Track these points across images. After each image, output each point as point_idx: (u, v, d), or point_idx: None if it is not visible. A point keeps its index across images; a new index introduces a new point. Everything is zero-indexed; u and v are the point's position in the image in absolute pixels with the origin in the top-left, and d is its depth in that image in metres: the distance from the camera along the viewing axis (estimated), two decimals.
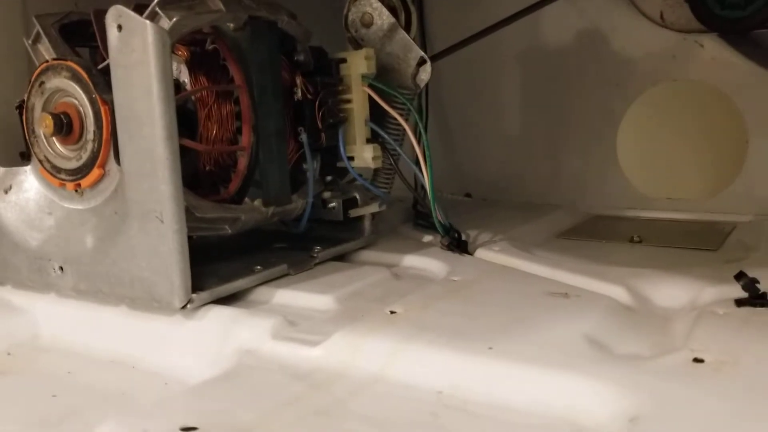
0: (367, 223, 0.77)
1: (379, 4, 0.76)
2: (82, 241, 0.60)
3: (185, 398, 0.48)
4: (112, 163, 0.58)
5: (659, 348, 0.51)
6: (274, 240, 0.75)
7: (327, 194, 0.75)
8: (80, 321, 0.61)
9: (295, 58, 0.70)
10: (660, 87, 0.97)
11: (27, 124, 0.63)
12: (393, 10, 0.78)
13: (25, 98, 0.62)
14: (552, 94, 1.05)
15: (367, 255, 0.76)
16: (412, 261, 0.73)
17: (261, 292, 0.63)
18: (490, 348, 0.49)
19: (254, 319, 0.55)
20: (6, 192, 0.65)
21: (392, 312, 0.57)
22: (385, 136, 0.74)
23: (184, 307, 0.56)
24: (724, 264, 0.68)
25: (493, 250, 0.74)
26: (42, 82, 0.61)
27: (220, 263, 0.65)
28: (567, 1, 0.99)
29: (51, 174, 0.62)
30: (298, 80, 0.69)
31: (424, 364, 0.48)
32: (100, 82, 0.57)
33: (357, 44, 0.77)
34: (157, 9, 0.55)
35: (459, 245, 0.75)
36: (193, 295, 0.56)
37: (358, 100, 0.72)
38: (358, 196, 0.76)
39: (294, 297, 0.62)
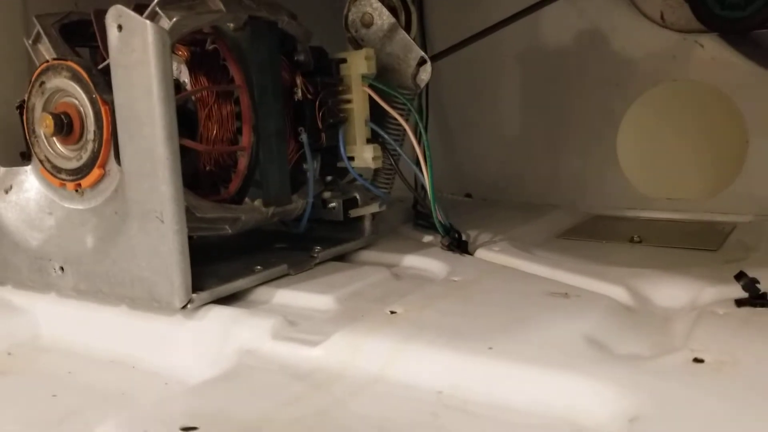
0: (367, 223, 0.77)
1: (379, 4, 0.76)
2: (82, 241, 0.60)
3: (185, 398, 0.48)
4: (112, 163, 0.58)
5: (659, 348, 0.51)
6: (274, 240, 0.75)
7: (327, 194, 0.75)
8: (80, 321, 0.61)
9: (296, 58, 0.70)
10: (660, 87, 0.97)
11: (27, 124, 0.63)
12: (393, 10, 0.78)
13: (26, 98, 0.62)
14: (552, 94, 1.05)
15: (367, 255, 0.76)
16: (413, 261, 0.74)
17: (261, 292, 0.63)
18: (490, 348, 0.49)
19: (254, 319, 0.55)
20: (6, 192, 0.65)
21: (392, 312, 0.57)
22: (386, 136, 0.74)
23: (184, 307, 0.56)
24: (724, 264, 0.68)
25: (493, 250, 0.74)
26: (42, 82, 0.61)
27: (221, 263, 0.65)
28: (567, 1, 0.99)
29: (51, 174, 0.62)
30: (299, 80, 0.69)
31: (424, 364, 0.48)
32: (101, 82, 0.57)
33: (357, 44, 0.77)
34: (157, 9, 0.55)
35: (459, 245, 0.75)
36: (194, 295, 0.56)
37: (358, 100, 0.72)
38: (358, 196, 0.76)
39: (294, 297, 0.62)
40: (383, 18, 0.76)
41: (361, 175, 0.75)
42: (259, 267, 0.64)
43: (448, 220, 0.76)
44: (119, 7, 0.53)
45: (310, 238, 0.74)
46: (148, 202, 0.55)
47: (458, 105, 1.13)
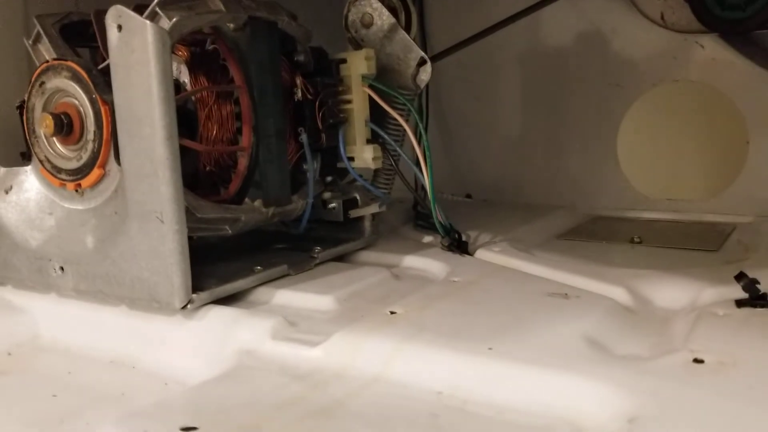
0: (367, 224, 0.77)
1: (379, 4, 0.76)
2: (82, 242, 0.60)
3: (185, 398, 0.48)
4: (112, 163, 0.58)
5: (659, 349, 0.51)
6: (274, 240, 0.75)
7: (327, 195, 0.75)
8: (80, 321, 0.61)
9: (296, 59, 0.70)
10: (660, 88, 0.97)
11: (27, 124, 0.63)
12: (393, 11, 0.78)
13: (26, 98, 0.62)
14: (552, 95, 1.05)
15: (368, 255, 0.76)
16: (413, 261, 0.73)
17: (261, 293, 0.63)
18: (490, 348, 0.49)
19: (254, 320, 0.55)
20: (7, 192, 0.65)
21: (392, 312, 0.57)
22: (386, 136, 0.74)
23: (184, 307, 0.56)
24: (724, 265, 0.68)
25: (493, 250, 0.74)
26: (42, 82, 0.61)
27: (220, 264, 0.65)
28: (567, 1, 0.99)
29: (51, 174, 0.62)
30: (299, 81, 0.69)
31: (424, 364, 0.48)
32: (101, 82, 0.57)
33: (357, 45, 0.77)
34: (157, 9, 0.55)
35: (459, 246, 0.75)
36: (194, 296, 0.56)
37: (358, 101, 0.72)
38: (358, 197, 0.76)
39: (294, 297, 0.62)
40: (383, 18, 0.76)
41: (361, 176, 0.75)
42: (259, 267, 0.64)
43: (448, 221, 0.76)
44: (119, 7, 0.53)
45: (310, 239, 0.74)
46: (148, 202, 0.55)
47: (458, 105, 1.13)
